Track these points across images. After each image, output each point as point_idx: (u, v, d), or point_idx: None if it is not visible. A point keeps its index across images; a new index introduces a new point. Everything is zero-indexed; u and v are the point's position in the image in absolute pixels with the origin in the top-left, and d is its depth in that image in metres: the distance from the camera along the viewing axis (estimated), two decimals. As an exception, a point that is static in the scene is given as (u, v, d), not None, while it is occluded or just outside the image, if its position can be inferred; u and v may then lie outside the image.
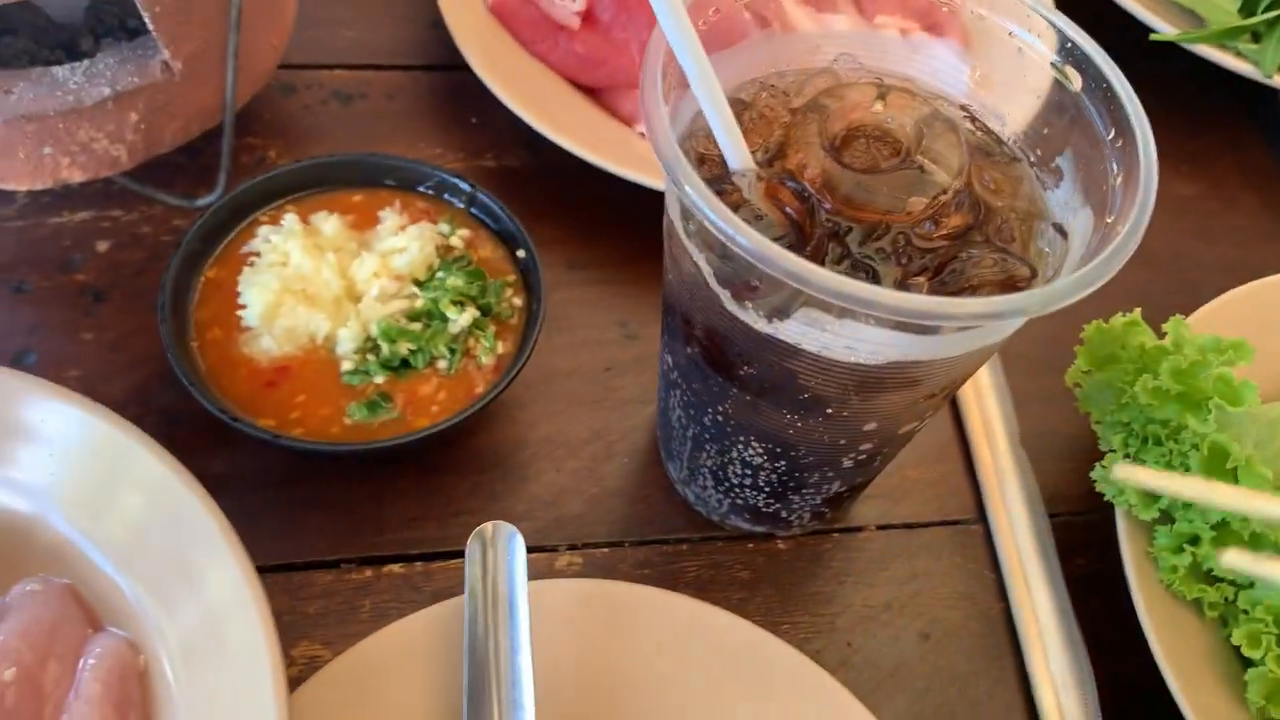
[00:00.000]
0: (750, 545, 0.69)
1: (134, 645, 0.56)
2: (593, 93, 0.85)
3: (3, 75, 0.66)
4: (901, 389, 0.51)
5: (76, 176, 0.69)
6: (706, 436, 0.61)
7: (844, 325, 0.46)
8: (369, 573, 0.65)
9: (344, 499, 0.67)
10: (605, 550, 0.68)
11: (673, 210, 0.51)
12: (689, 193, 0.44)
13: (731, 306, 0.49)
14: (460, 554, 0.65)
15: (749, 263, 0.43)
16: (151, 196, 0.76)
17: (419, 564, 0.66)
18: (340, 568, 0.65)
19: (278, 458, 0.67)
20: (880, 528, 0.71)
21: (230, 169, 0.75)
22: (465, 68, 0.82)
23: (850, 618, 0.67)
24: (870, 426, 0.54)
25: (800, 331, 0.48)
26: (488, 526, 0.58)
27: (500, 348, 0.66)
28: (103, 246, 0.76)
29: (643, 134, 0.81)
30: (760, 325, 0.49)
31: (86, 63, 0.67)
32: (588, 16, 0.83)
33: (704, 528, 0.69)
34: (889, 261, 0.49)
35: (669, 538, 0.69)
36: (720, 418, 0.58)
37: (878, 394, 0.51)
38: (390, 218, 0.70)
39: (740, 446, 0.59)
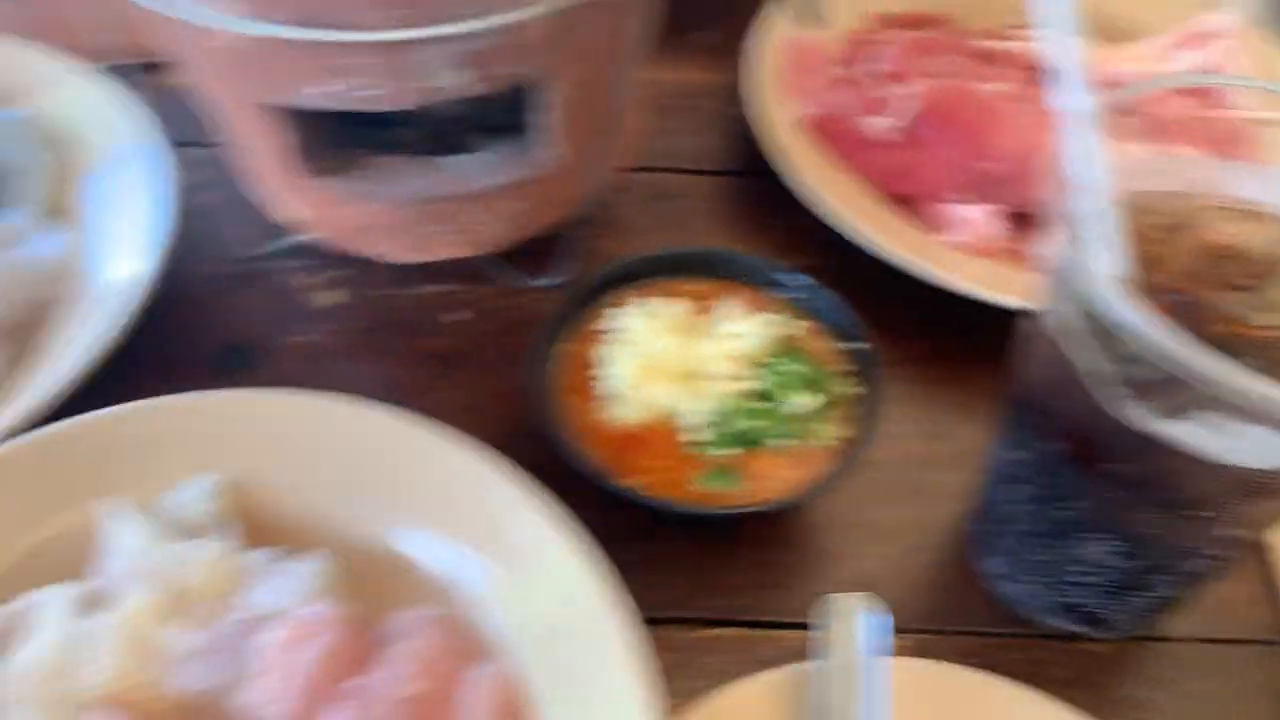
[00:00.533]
0: (1067, 644, 0.70)
1: (510, 683, 0.61)
2: (903, 202, 0.90)
3: (412, 162, 0.75)
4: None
5: (458, 253, 0.78)
6: (1046, 532, 0.63)
7: (1251, 430, 0.48)
8: (708, 632, 0.69)
9: (683, 560, 0.72)
10: (926, 636, 0.70)
11: (1064, 312, 0.55)
12: (1112, 299, 0.47)
13: (1113, 406, 0.52)
14: (784, 625, 0.70)
15: (1163, 370, 0.46)
16: (502, 275, 0.85)
17: (748, 630, 0.70)
18: (679, 625, 0.69)
19: (616, 518, 0.72)
20: (1203, 641, 0.71)
21: (573, 255, 0.83)
22: (768, 174, 0.89)
23: (1170, 728, 0.67)
24: (1239, 532, 0.56)
25: (1193, 432, 0.50)
26: (843, 597, 0.61)
27: (835, 431, 0.70)
28: (456, 317, 0.84)
29: (952, 242, 0.86)
30: (1147, 425, 0.51)
31: (481, 154, 0.76)
32: (900, 133, 0.88)
33: (1017, 624, 0.71)
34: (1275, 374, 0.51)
35: (987, 630, 0.71)
36: (1071, 513, 0.60)
37: (1254, 499, 0.53)
38: (728, 306, 0.75)
39: (1089, 543, 0.61)
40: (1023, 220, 0.90)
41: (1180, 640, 0.71)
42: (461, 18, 0.59)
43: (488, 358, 0.82)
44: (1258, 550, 0.75)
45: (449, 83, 0.63)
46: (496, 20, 0.59)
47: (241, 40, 0.59)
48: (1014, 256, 0.88)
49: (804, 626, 0.69)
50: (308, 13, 0.57)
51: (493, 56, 0.63)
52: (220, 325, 0.83)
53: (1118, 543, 0.60)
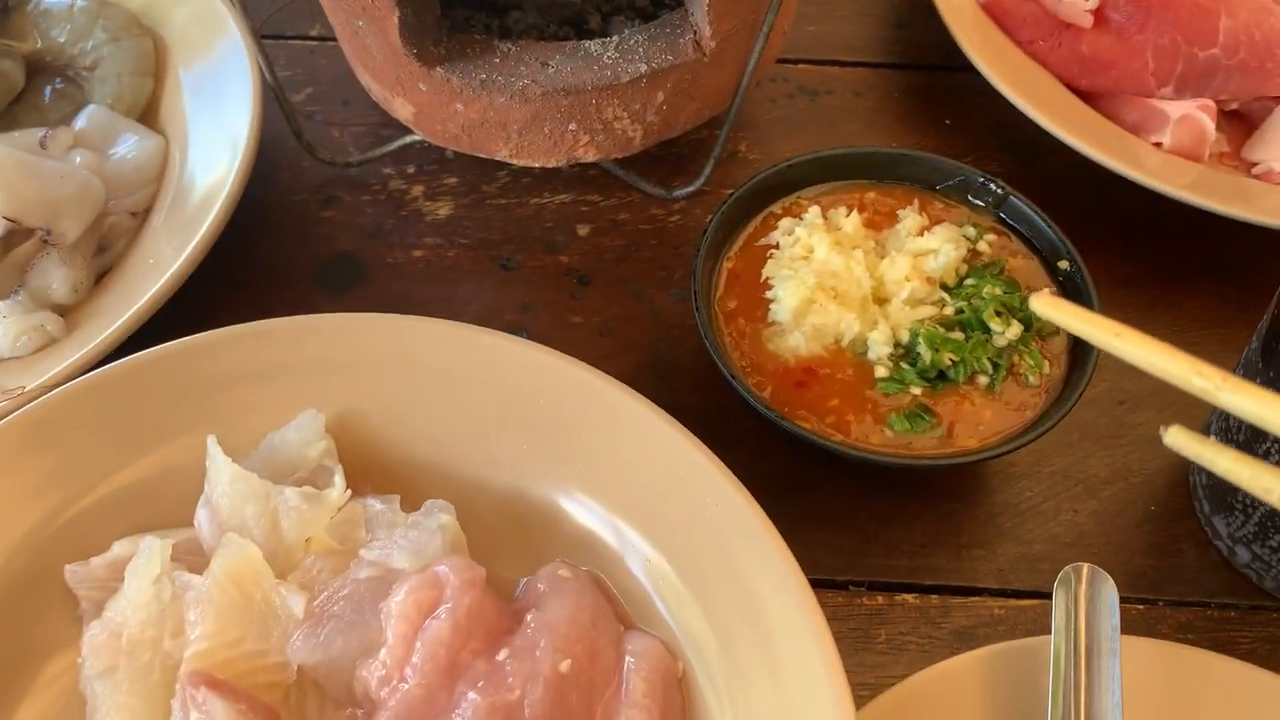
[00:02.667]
0: (1313, 620, 0.59)
1: (670, 649, 0.53)
2: (1088, 97, 0.77)
3: (539, 47, 0.65)
4: None
5: (590, 156, 0.68)
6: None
7: None
8: (880, 599, 0.60)
9: (851, 515, 0.62)
10: (1140, 608, 0.60)
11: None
12: None
13: None
14: (977, 591, 0.60)
15: None
16: (632, 184, 0.74)
17: (934, 596, 0.60)
18: (849, 590, 0.60)
19: (781, 462, 0.63)
20: None
21: (715, 160, 0.72)
22: (935, 68, 0.77)
23: None
24: None
25: None
26: (1079, 569, 0.51)
27: (1046, 367, 0.59)
28: (583, 230, 0.74)
29: (1156, 143, 0.73)
30: None
31: (617, 38, 0.65)
32: (1099, 15, 0.75)
33: (1251, 594, 0.60)
34: None
35: (1211, 601, 0.60)
36: (1360, 472, 0.49)
37: None
38: (909, 217, 0.64)
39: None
40: (1235, 119, 0.77)
41: None
42: None
43: (625, 276, 0.72)
44: None
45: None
46: None
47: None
48: (1227, 161, 0.75)
49: (1000, 594, 0.60)
50: None
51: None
52: (322, 236, 0.74)
53: None
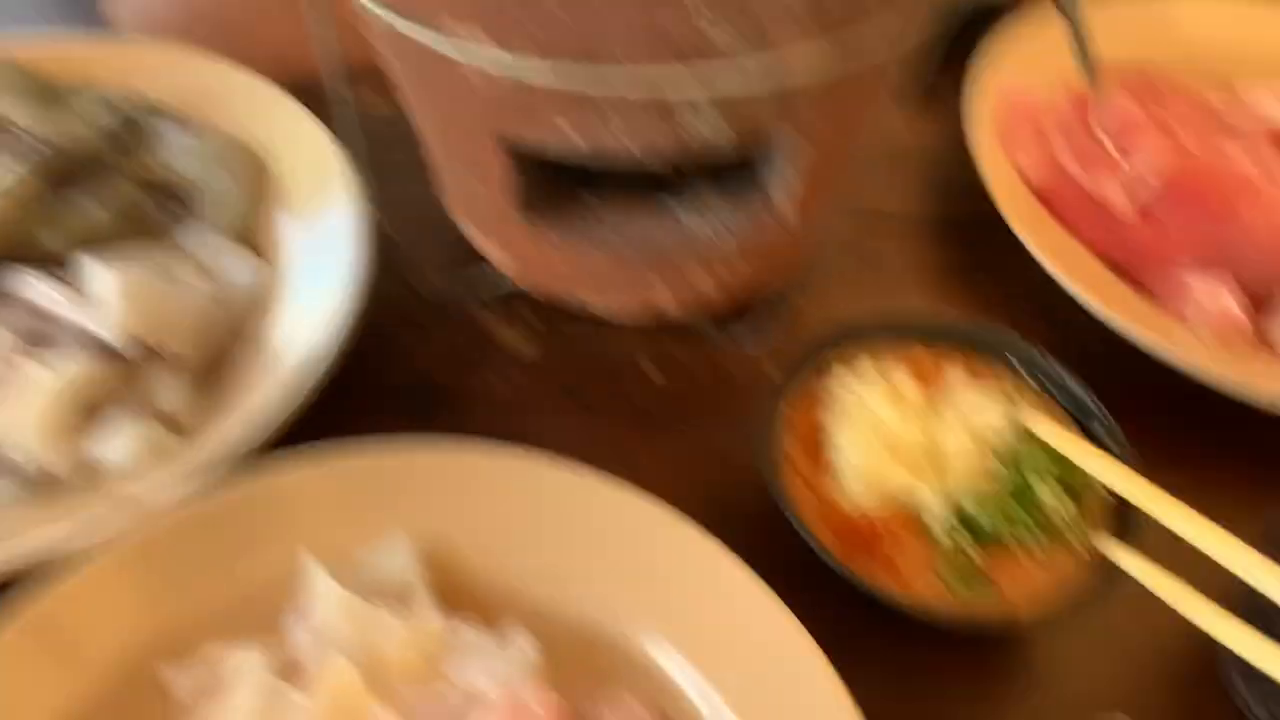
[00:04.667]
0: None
1: (736, 791, 0.56)
2: (1128, 273, 0.83)
3: (631, 210, 0.70)
4: None
5: (672, 308, 0.73)
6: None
7: None
8: (930, 748, 0.63)
9: (899, 658, 0.65)
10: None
11: None
12: None
13: None
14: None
15: None
16: (706, 333, 0.79)
17: (980, 750, 0.63)
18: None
19: (828, 609, 0.66)
20: None
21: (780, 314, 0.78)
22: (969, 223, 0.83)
23: None
24: None
25: None
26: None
27: (1088, 533, 0.64)
28: (655, 375, 0.79)
29: (1190, 323, 0.79)
30: None
31: (708, 208, 0.70)
32: (1144, 211, 0.82)
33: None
34: None
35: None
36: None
37: None
38: (958, 376, 0.69)
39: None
40: (1260, 303, 0.83)
41: None
42: (738, 68, 0.54)
43: (696, 420, 0.76)
44: None
45: (705, 132, 0.58)
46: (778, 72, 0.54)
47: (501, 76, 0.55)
48: (1254, 341, 0.80)
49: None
50: (579, 49, 0.53)
51: (756, 110, 0.58)
52: (409, 364, 0.79)
53: None
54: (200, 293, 0.72)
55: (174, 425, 0.68)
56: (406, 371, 0.78)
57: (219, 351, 0.73)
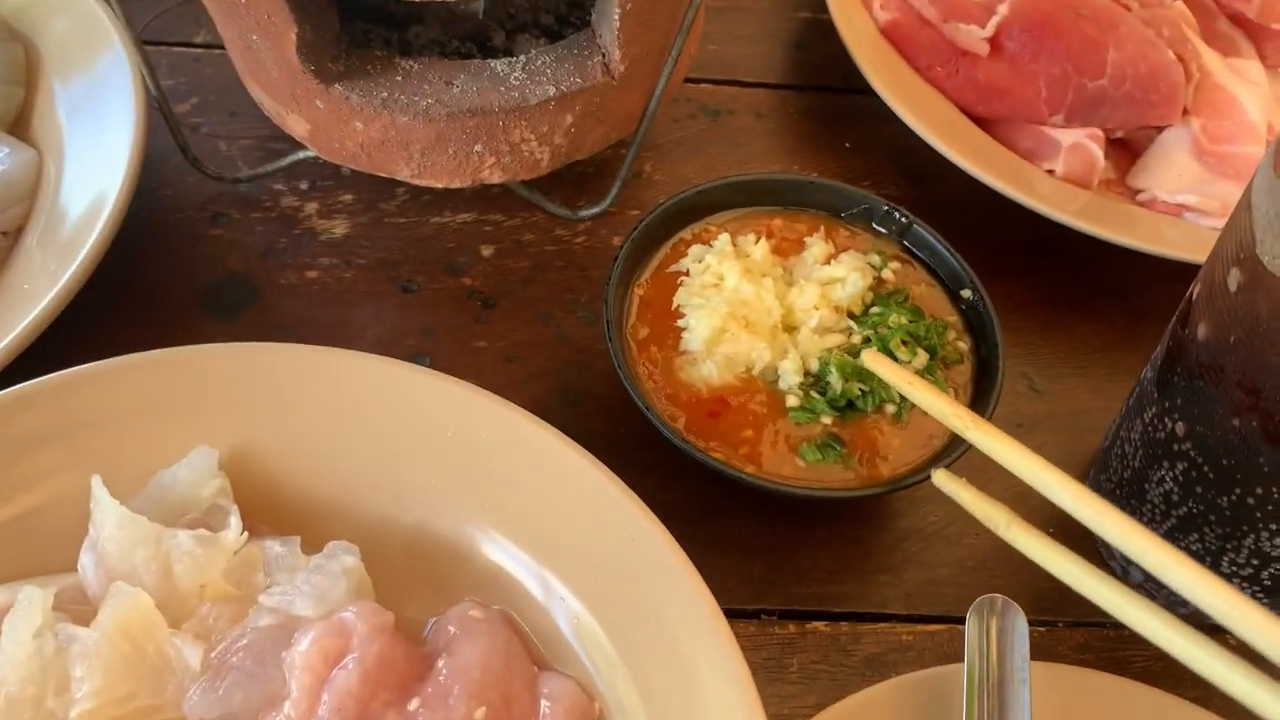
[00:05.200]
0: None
1: (586, 689, 0.52)
2: (984, 124, 0.79)
3: (443, 65, 0.63)
4: None
5: (496, 178, 0.66)
6: (1210, 519, 0.54)
7: None
8: (792, 627, 0.60)
9: (761, 543, 0.62)
10: (1040, 630, 0.61)
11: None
12: None
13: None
14: (886, 618, 0.61)
15: None
16: (537, 204, 0.73)
17: (844, 624, 0.60)
18: (761, 619, 0.60)
19: (691, 490, 0.62)
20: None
21: (618, 181, 0.71)
22: (834, 89, 0.78)
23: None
24: None
25: None
26: (991, 600, 0.52)
27: (952, 396, 0.60)
28: (486, 251, 0.73)
29: (1049, 171, 0.75)
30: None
31: (524, 58, 0.63)
32: (994, 44, 0.77)
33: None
34: None
35: (1107, 621, 0.62)
36: (1250, 500, 0.51)
37: None
38: (816, 244, 0.65)
39: (1260, 535, 0.52)
40: (1120, 147, 0.80)
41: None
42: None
43: (531, 299, 0.70)
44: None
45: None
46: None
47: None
48: (1114, 188, 0.78)
49: (908, 619, 0.61)
50: None
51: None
52: (210, 257, 0.70)
53: (1307, 535, 0.51)
54: (-53, 186, 0.63)
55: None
56: (215, 268, 0.70)
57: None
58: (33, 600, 0.49)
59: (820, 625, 0.60)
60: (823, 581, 0.61)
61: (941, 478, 0.53)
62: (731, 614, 0.58)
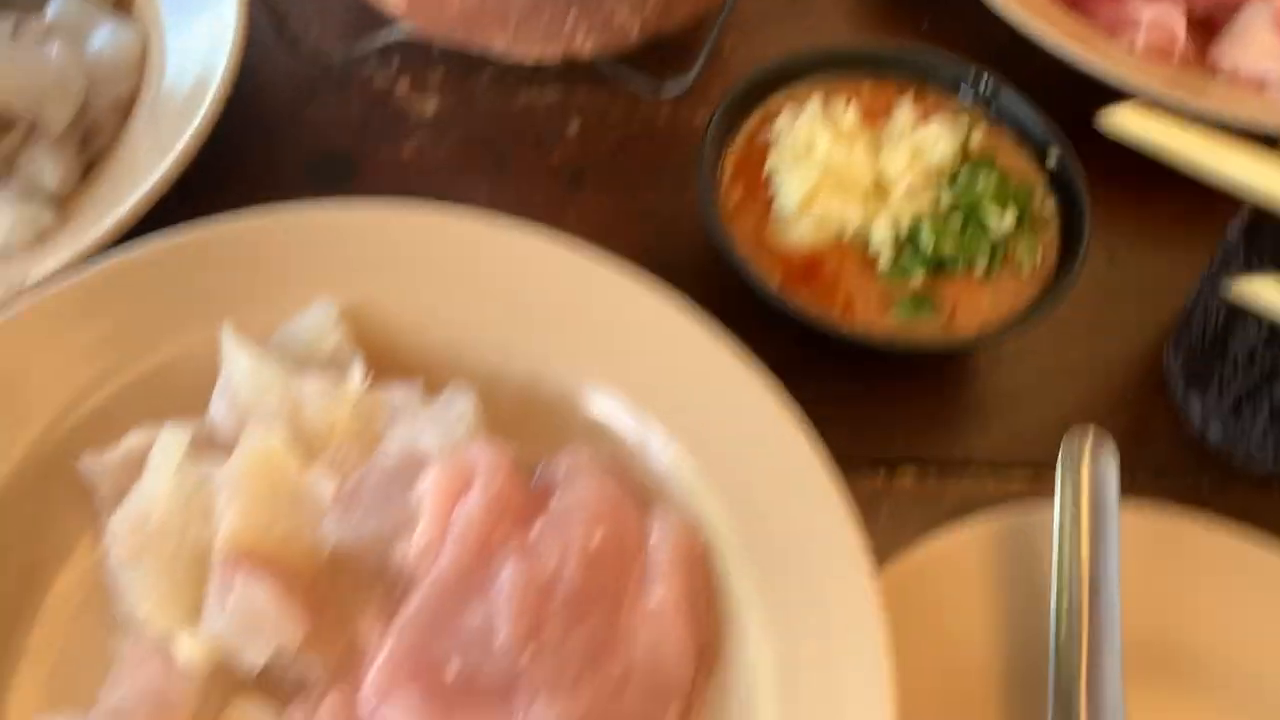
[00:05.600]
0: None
1: (693, 528, 0.54)
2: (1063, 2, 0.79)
3: (540, -65, 0.64)
4: None
5: (587, 49, 0.67)
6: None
7: None
8: (882, 477, 0.62)
9: (851, 399, 0.64)
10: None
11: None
12: None
13: None
14: (973, 465, 0.63)
15: None
16: (622, 80, 0.74)
17: (931, 472, 0.62)
18: (850, 467, 0.62)
19: (782, 352, 0.64)
20: None
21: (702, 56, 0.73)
22: None
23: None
24: None
25: None
26: (1084, 432, 0.54)
27: (1039, 258, 0.62)
28: (573, 129, 0.74)
29: (1130, 45, 0.76)
30: None
31: (621, -74, 0.65)
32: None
33: (1221, 471, 0.64)
34: None
35: (1185, 479, 0.64)
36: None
37: None
38: (905, 109, 0.66)
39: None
40: (1201, 25, 0.80)
41: None
42: None
43: (623, 173, 0.72)
44: None
45: None
46: None
47: None
48: (1195, 64, 0.78)
49: (992, 468, 0.63)
50: None
51: None
52: (308, 134, 0.72)
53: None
54: (60, 61, 0.65)
55: (56, 203, 0.61)
56: (313, 146, 0.72)
57: (93, 122, 0.65)
58: (173, 438, 0.53)
59: (909, 473, 0.62)
60: (910, 434, 0.64)
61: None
62: (824, 466, 0.61)
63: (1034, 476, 0.62)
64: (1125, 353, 0.69)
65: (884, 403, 0.64)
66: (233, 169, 0.70)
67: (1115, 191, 0.74)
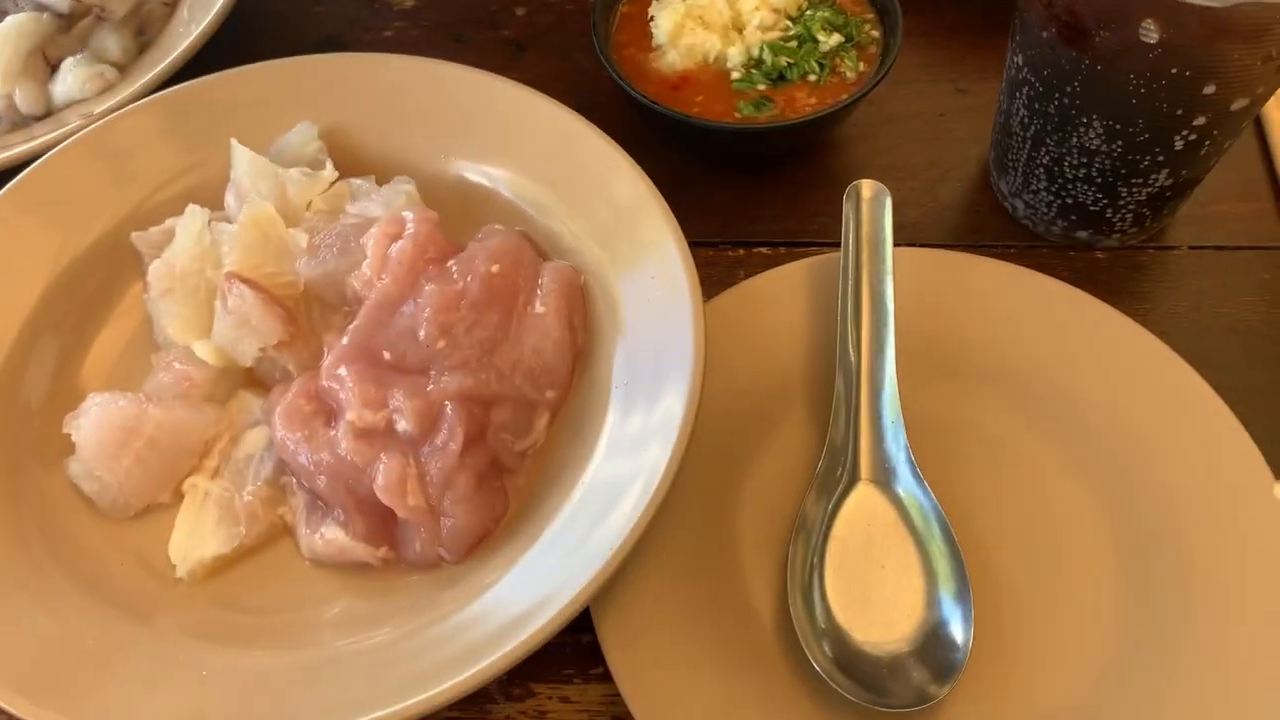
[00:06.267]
0: (1072, 253, 0.78)
1: (576, 269, 0.72)
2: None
3: None
4: (1247, 42, 0.59)
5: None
6: (1049, 129, 0.70)
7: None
8: (741, 252, 0.79)
9: (721, 196, 0.81)
10: (942, 250, 0.78)
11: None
12: None
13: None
14: (820, 244, 0.78)
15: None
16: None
17: (783, 248, 0.79)
18: (718, 247, 0.79)
19: (666, 158, 0.81)
20: (1193, 248, 0.78)
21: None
22: None
23: (1161, 314, 0.75)
24: (1209, 90, 0.63)
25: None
26: (864, 183, 0.70)
27: (861, 67, 0.78)
28: (521, 11, 0.93)
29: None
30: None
31: None
32: None
33: (1029, 238, 0.79)
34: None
35: (997, 243, 0.79)
36: (1065, 100, 0.68)
37: (1223, 43, 0.59)
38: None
39: (1080, 131, 0.68)
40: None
41: (1191, 248, 0.78)
42: None
43: (550, 44, 0.90)
44: (1271, 176, 0.81)
45: None
46: None
47: None
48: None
49: (834, 245, 0.79)
50: None
51: None
52: (309, 23, 0.93)
53: (1107, 121, 0.67)
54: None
55: (119, 67, 0.82)
56: (315, 32, 0.93)
57: (147, 14, 0.87)
58: (196, 212, 0.73)
59: (764, 250, 0.79)
60: (768, 222, 0.80)
61: None
62: (695, 244, 0.77)
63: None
64: (962, 158, 0.84)
65: (745, 201, 0.81)
66: (249, 49, 0.89)
67: (966, 38, 0.90)
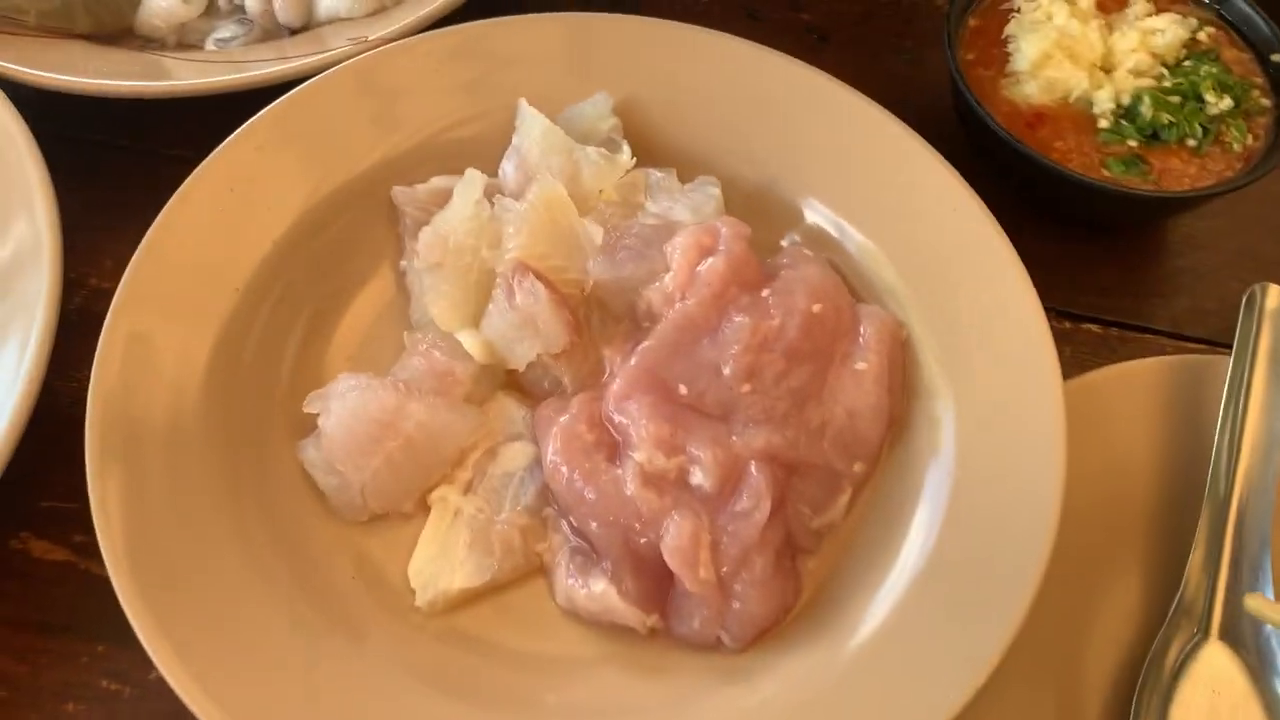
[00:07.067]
0: None
1: (898, 321, 0.62)
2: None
3: None
4: None
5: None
6: None
7: None
8: (1068, 324, 0.69)
9: (1049, 255, 0.70)
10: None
11: None
12: None
13: None
14: (1153, 331, 0.68)
15: None
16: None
17: (1114, 329, 0.69)
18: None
19: (978, 186, 0.70)
20: None
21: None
22: None
23: None
24: None
25: None
26: (1271, 289, 0.60)
27: (1250, 140, 0.67)
28: (827, -4, 0.82)
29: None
30: None
31: None
32: None
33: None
34: None
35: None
36: None
37: None
38: (1140, 2, 0.71)
39: None
40: None
41: None
42: None
43: (866, 39, 0.80)
44: None
45: None
46: None
47: None
48: None
49: (1171, 335, 0.68)
50: None
51: None
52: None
53: None
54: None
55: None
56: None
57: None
58: (475, 177, 0.63)
59: (1093, 327, 0.69)
60: (1099, 294, 0.70)
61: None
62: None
63: (1209, 351, 0.67)
64: (1315, 253, 0.73)
65: (1079, 263, 0.70)
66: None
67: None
